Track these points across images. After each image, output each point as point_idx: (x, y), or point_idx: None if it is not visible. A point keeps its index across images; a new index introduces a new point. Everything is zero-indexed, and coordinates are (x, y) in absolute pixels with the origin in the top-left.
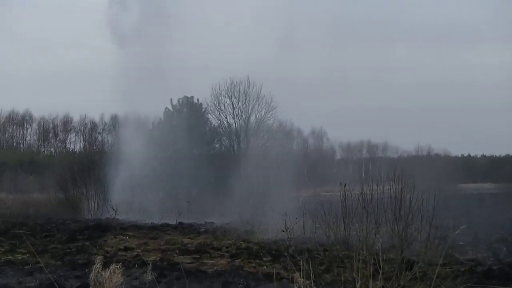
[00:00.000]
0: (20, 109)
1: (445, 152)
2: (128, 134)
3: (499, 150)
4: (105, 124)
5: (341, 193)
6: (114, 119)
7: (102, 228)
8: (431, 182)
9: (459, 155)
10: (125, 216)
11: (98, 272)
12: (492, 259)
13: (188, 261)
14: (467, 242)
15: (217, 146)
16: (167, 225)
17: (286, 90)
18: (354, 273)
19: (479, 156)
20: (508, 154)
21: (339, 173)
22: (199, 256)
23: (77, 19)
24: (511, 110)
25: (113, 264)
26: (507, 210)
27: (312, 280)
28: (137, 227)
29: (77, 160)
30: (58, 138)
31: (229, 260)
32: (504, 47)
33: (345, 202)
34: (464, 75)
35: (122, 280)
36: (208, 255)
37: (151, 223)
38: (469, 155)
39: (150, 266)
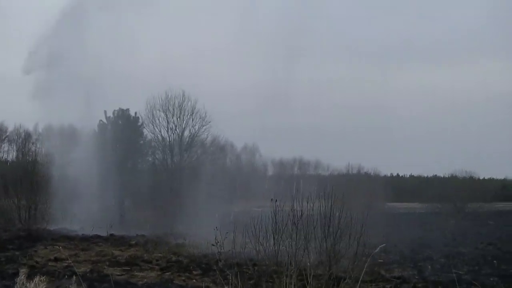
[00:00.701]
0: None
1: (375, 171)
2: (60, 145)
3: (427, 171)
4: (39, 134)
5: (272, 209)
6: (48, 129)
7: (33, 238)
8: (361, 200)
9: (388, 175)
10: (57, 226)
11: (23, 283)
12: (417, 277)
13: (118, 273)
14: (394, 260)
15: (150, 159)
16: (98, 236)
17: (220, 105)
18: None
19: (408, 176)
20: (435, 175)
21: (271, 188)
22: (129, 268)
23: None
24: (437, 135)
25: (38, 276)
26: (433, 230)
27: None
28: (68, 238)
29: (9, 169)
30: (2, 149)
31: (159, 273)
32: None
33: (275, 217)
34: (393, 99)
35: None
36: (138, 267)
37: (82, 234)
38: (398, 174)
39: (75, 278)
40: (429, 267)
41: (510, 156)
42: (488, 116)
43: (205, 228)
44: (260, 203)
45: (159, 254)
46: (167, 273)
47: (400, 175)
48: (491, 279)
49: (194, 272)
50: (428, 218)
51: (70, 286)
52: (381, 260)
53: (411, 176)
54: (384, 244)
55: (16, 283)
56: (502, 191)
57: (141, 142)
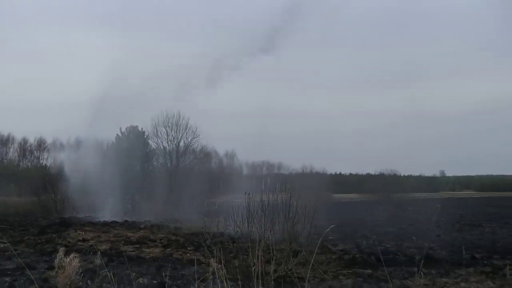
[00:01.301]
0: (5, 131)
1: (323, 170)
2: (87, 153)
3: (362, 170)
4: (71, 145)
5: (246, 200)
6: (78, 141)
7: (66, 224)
8: (312, 193)
9: (333, 173)
10: (84, 215)
11: (61, 258)
12: (355, 250)
13: (130, 250)
14: (338, 237)
15: (154, 163)
16: (115, 222)
17: (207, 120)
18: (254, 259)
19: (348, 174)
20: (368, 173)
21: (245, 185)
22: (139, 246)
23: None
24: (368, 142)
25: (73, 253)
26: (367, 214)
27: (223, 264)
28: (92, 224)
29: (48, 172)
30: (33, 155)
31: (162, 249)
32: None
33: (249, 206)
34: (337, 117)
35: (79, 265)
36: (146, 245)
37: (103, 221)
38: (340, 173)
39: (98, 254)
40: (364, 242)
41: (423, 157)
42: (407, 129)
43: (196, 215)
44: (238, 196)
45: (162, 235)
46: (168, 249)
47: (342, 173)
48: (411, 250)
49: (188, 248)
50: (363, 205)
51: (95, 260)
52: (331, 237)
53: (350, 174)
54: (334, 225)
55: (56, 258)
56: (418, 184)
57: (147, 150)
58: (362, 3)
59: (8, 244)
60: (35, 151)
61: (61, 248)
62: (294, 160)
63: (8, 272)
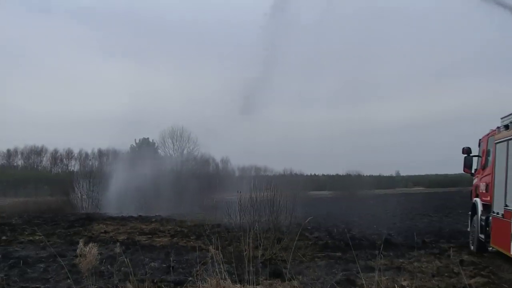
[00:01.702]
0: (39, 143)
1: (300, 172)
2: (106, 161)
3: (332, 171)
4: (94, 154)
5: (238, 197)
6: (99, 151)
7: (90, 219)
8: (292, 190)
9: (309, 174)
10: (105, 211)
11: (81, 248)
12: (328, 236)
13: (144, 239)
14: (314, 226)
15: (162, 169)
16: (131, 217)
17: (206, 132)
18: (245, 245)
19: (321, 174)
20: (338, 174)
21: (238, 185)
22: (151, 236)
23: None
24: (338, 148)
25: (92, 243)
26: (337, 208)
27: (220, 250)
28: (112, 218)
29: (74, 176)
30: (63, 163)
31: (170, 238)
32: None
33: (240, 202)
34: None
35: (97, 252)
36: (157, 235)
37: (121, 215)
38: (315, 174)
39: (117, 243)
40: (335, 230)
41: (382, 160)
42: (368, 138)
43: (197, 210)
44: (231, 194)
45: (169, 227)
46: (175, 238)
47: (316, 174)
48: (373, 236)
49: (191, 237)
50: (333, 201)
51: (114, 248)
52: (308, 227)
53: (323, 175)
54: (311, 217)
55: (78, 245)
56: (378, 182)
57: (157, 157)
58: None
59: (42, 236)
60: (64, 160)
61: (81, 240)
62: (276, 163)
63: (43, 260)
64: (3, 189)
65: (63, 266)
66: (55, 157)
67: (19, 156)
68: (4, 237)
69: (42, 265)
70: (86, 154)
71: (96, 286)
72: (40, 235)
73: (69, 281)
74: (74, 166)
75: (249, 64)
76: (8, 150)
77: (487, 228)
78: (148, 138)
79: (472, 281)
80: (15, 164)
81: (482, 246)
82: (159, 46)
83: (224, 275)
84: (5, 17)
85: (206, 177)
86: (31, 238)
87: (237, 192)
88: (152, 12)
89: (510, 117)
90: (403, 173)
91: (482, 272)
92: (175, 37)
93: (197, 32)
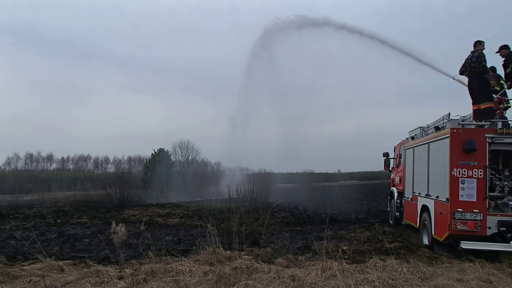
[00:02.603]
0: (85, 152)
1: (271, 170)
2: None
3: (291, 170)
4: (124, 160)
5: (227, 189)
6: (129, 158)
7: (122, 206)
8: (265, 184)
9: (277, 172)
10: (133, 201)
11: (114, 226)
12: (291, 216)
13: (161, 220)
14: (281, 208)
15: (174, 169)
16: (152, 204)
17: (204, 142)
18: (233, 223)
19: (285, 172)
20: (297, 172)
21: (227, 180)
22: (166, 218)
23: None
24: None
25: (121, 224)
26: (297, 195)
27: (215, 227)
28: (138, 206)
29: (110, 176)
30: (102, 166)
31: (179, 219)
32: None
33: (229, 193)
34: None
35: (125, 230)
36: (170, 217)
37: (144, 204)
38: (281, 172)
39: (142, 223)
40: (296, 211)
41: (328, 161)
42: (317, 145)
43: (198, 199)
44: (223, 187)
45: (179, 211)
46: (183, 219)
47: (282, 172)
48: (322, 215)
49: (195, 218)
50: (294, 191)
51: (140, 227)
52: (276, 209)
53: (287, 172)
54: (279, 202)
55: (112, 225)
56: (325, 177)
57: (170, 162)
58: None
59: (87, 219)
60: (103, 164)
61: (113, 221)
62: (254, 164)
63: (87, 236)
64: (59, 186)
65: (102, 240)
66: (96, 162)
67: (70, 162)
68: (59, 220)
69: (87, 240)
70: (119, 160)
71: (126, 254)
72: (85, 218)
73: (106, 251)
74: (111, 169)
75: (234, 94)
76: (62, 158)
77: (401, 208)
78: (163, 148)
79: (391, 245)
80: (67, 168)
81: (397, 221)
82: (169, 83)
83: (218, 245)
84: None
85: (204, 175)
86: (79, 220)
87: (227, 186)
88: (165, 57)
89: (414, 131)
90: (343, 170)
91: (398, 239)
92: (181, 75)
93: (197, 71)
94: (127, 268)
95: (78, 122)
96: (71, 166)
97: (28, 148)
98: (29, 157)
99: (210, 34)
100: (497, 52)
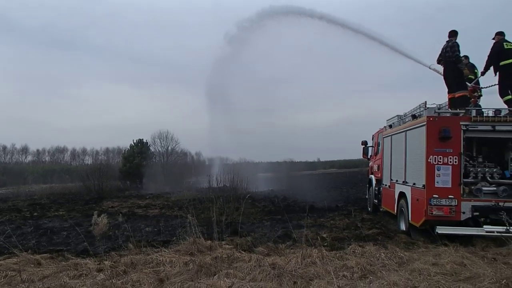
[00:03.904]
0: (62, 144)
1: (251, 160)
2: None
3: (273, 159)
4: (102, 151)
5: (208, 179)
6: (107, 149)
7: (101, 198)
8: (245, 173)
9: (257, 161)
10: (111, 193)
11: (95, 218)
12: (271, 205)
13: (140, 211)
14: (262, 197)
15: (153, 160)
16: (131, 195)
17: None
18: (213, 213)
19: (265, 162)
20: (278, 161)
21: (207, 171)
22: (146, 209)
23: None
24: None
25: (102, 214)
26: (277, 185)
27: (195, 217)
28: (117, 197)
29: (88, 169)
30: (79, 158)
31: (159, 210)
32: None
33: (209, 183)
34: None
35: (107, 221)
36: (150, 208)
37: (123, 195)
38: (261, 161)
39: (120, 214)
40: (276, 200)
41: (308, 150)
42: (297, 134)
43: (178, 189)
44: (203, 178)
45: (159, 202)
46: (163, 210)
47: (262, 161)
48: (302, 203)
49: (175, 209)
50: (274, 180)
51: (118, 218)
52: (257, 198)
53: (267, 162)
54: (259, 191)
55: (93, 216)
56: (305, 166)
57: (149, 153)
58: None
59: (64, 211)
60: (80, 156)
61: (95, 212)
62: (234, 154)
63: (65, 229)
64: (34, 179)
65: (80, 233)
66: (74, 154)
67: (46, 154)
68: (35, 213)
69: (64, 233)
70: (97, 152)
71: (105, 246)
72: (63, 211)
73: (85, 243)
74: (88, 160)
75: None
76: (38, 150)
77: (379, 195)
78: (142, 139)
79: (370, 232)
80: (43, 160)
81: (376, 208)
82: (149, 73)
83: (199, 235)
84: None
85: (184, 166)
86: (56, 213)
87: (207, 176)
88: (145, 47)
89: (392, 119)
90: (322, 159)
91: (376, 225)
92: (161, 65)
93: (177, 62)
94: (106, 260)
95: (54, 113)
96: (47, 158)
97: (2, 140)
98: (3, 149)
99: (190, 25)
100: (493, 39)
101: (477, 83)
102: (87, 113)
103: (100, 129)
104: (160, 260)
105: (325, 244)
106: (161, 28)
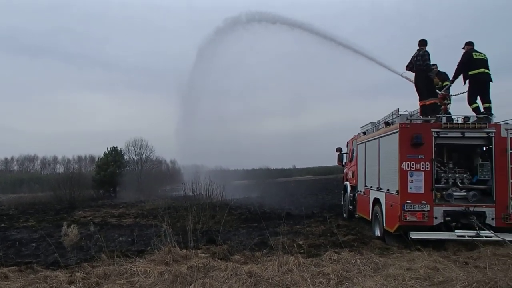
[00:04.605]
0: (32, 152)
1: (227, 167)
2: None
3: (250, 166)
4: (74, 159)
5: (183, 187)
6: (79, 158)
7: (73, 208)
8: (221, 181)
9: (233, 169)
10: (83, 202)
11: (65, 228)
12: (247, 212)
13: (114, 221)
14: (238, 205)
15: (127, 169)
16: (105, 204)
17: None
18: (188, 221)
19: (241, 169)
20: (253, 168)
21: (182, 178)
22: (119, 218)
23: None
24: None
25: (73, 225)
26: (252, 192)
27: (170, 226)
28: (90, 206)
29: (60, 179)
30: (50, 167)
31: (133, 219)
32: None
33: (185, 191)
34: None
35: (78, 232)
36: (124, 217)
37: (96, 204)
38: (236, 169)
39: (92, 224)
40: (252, 207)
41: (283, 157)
42: (272, 141)
43: (153, 198)
44: (178, 185)
45: (133, 211)
46: (137, 219)
47: (237, 169)
48: (278, 211)
49: (150, 217)
50: (250, 187)
51: (90, 228)
52: (233, 207)
53: (243, 169)
54: (235, 198)
55: (63, 227)
56: (281, 173)
57: (123, 161)
58: None
59: (34, 222)
60: (51, 164)
61: (65, 222)
62: (210, 161)
63: (35, 240)
64: (2, 189)
65: (50, 244)
66: (44, 163)
67: (15, 162)
68: (3, 224)
69: (34, 244)
70: (69, 160)
71: (77, 257)
72: (32, 221)
73: (55, 255)
74: (59, 169)
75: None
76: (6, 158)
77: (354, 202)
78: (116, 147)
79: (345, 238)
80: (11, 169)
81: (351, 214)
82: (122, 80)
83: (174, 244)
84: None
85: (159, 174)
86: (25, 224)
87: (182, 183)
88: (117, 54)
89: (366, 126)
90: (298, 166)
91: (352, 232)
92: (135, 72)
93: (151, 68)
94: (78, 272)
95: (24, 121)
96: (15, 167)
97: None
98: None
99: (165, 30)
100: (462, 48)
101: (448, 90)
102: (58, 121)
103: (72, 137)
104: (134, 270)
105: (302, 251)
106: (135, 33)
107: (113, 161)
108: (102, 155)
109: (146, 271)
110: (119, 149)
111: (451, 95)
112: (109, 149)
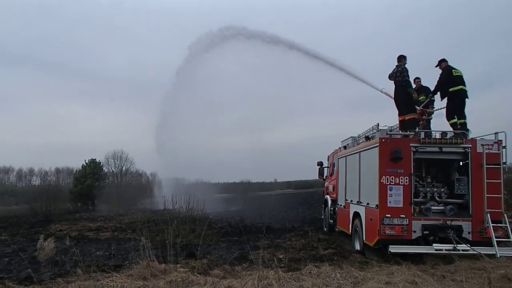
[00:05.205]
0: (7, 164)
1: (208, 180)
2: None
3: (231, 179)
4: (51, 171)
5: (163, 200)
6: (56, 169)
7: (48, 221)
8: (202, 194)
9: (215, 182)
10: (60, 216)
11: (41, 242)
12: (228, 226)
13: (91, 234)
14: (219, 218)
15: (107, 181)
16: (82, 217)
17: (139, 153)
18: (168, 235)
19: (222, 182)
20: (235, 181)
21: (163, 191)
22: (97, 231)
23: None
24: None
25: (50, 238)
26: (233, 205)
27: (149, 240)
28: (67, 219)
29: (36, 191)
30: (26, 179)
31: (112, 233)
32: None
33: (164, 204)
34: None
35: (54, 246)
36: (101, 231)
37: (73, 218)
38: (218, 182)
39: (68, 238)
40: (233, 221)
41: (265, 171)
42: (254, 155)
43: (132, 211)
44: (159, 199)
45: (111, 224)
46: (115, 233)
47: (219, 182)
48: (259, 224)
49: (128, 231)
50: (230, 200)
51: (66, 242)
52: (213, 220)
53: (224, 182)
54: (215, 213)
55: (39, 240)
56: (262, 187)
57: (102, 173)
58: None
59: (7, 236)
60: (27, 176)
61: (41, 236)
62: (191, 174)
63: (7, 254)
64: None
65: (24, 259)
66: (20, 175)
67: None
68: None
69: (6, 259)
70: (46, 172)
71: (51, 273)
72: (5, 235)
73: (28, 270)
74: (36, 181)
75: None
76: None
77: (334, 215)
78: (95, 159)
79: (326, 252)
80: None
81: (331, 228)
82: (102, 90)
83: (153, 258)
84: None
85: (139, 186)
86: None
87: (162, 197)
88: (98, 64)
89: (346, 141)
90: (279, 179)
91: (332, 246)
92: (116, 82)
93: (132, 79)
94: (52, 287)
95: None
96: None
97: None
98: None
99: (146, 41)
100: (436, 66)
101: (426, 106)
102: (35, 132)
103: (50, 149)
104: (110, 285)
105: (282, 265)
106: (116, 44)
107: (92, 174)
108: (80, 167)
109: (123, 286)
110: (98, 161)
111: (432, 110)
112: (87, 161)
